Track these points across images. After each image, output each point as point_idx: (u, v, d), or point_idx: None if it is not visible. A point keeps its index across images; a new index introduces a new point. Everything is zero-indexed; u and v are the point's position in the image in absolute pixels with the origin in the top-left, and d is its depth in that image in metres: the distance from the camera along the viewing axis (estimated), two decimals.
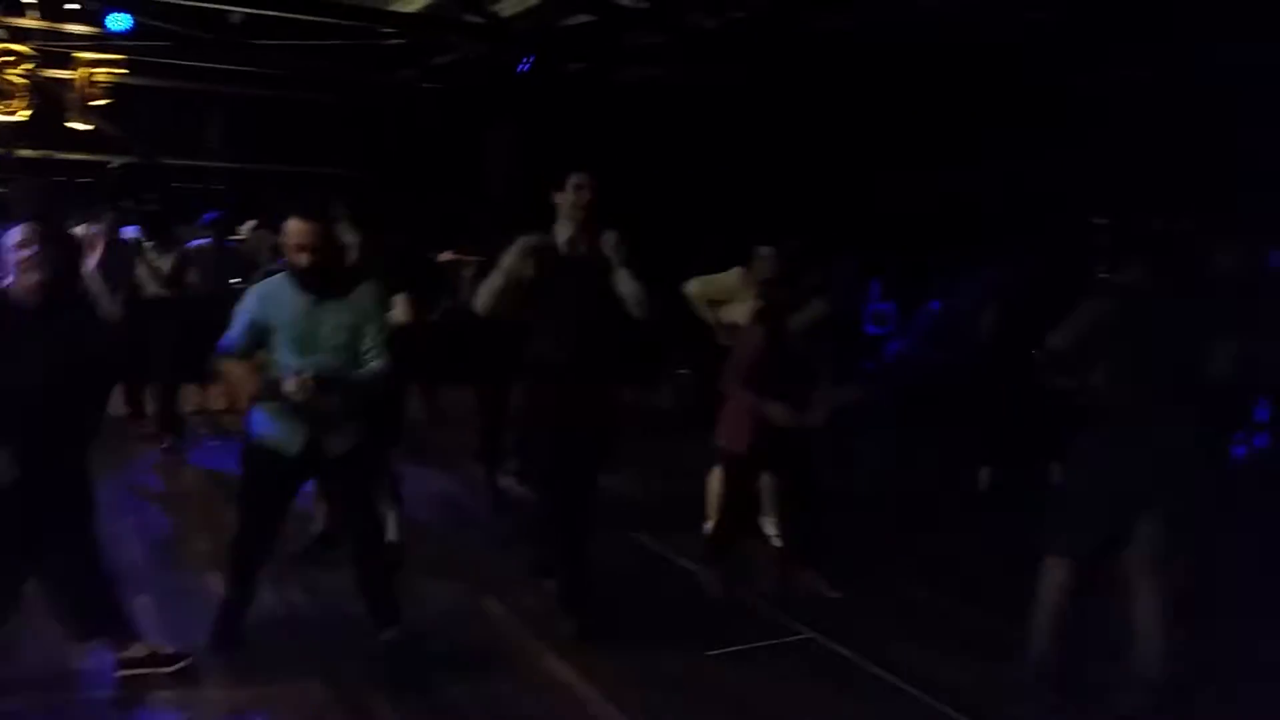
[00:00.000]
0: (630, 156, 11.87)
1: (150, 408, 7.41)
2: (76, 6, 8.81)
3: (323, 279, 3.68)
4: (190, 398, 7.77)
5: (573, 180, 4.10)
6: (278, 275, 3.80)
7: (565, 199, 4.10)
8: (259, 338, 3.71)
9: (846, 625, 4.38)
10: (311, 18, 8.60)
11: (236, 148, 11.98)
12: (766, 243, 5.17)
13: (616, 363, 4.36)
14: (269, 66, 10.51)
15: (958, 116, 10.87)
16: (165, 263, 7.08)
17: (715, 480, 5.10)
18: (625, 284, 4.06)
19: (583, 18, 8.44)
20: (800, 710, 3.68)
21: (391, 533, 4.76)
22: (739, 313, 5.17)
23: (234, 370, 3.90)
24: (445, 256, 6.97)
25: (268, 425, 3.75)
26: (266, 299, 3.72)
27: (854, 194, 12.85)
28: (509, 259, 4.12)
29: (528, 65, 8.34)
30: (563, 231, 4.12)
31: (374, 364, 3.74)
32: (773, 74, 9.81)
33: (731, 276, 5.52)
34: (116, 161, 11.36)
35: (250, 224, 8.34)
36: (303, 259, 3.63)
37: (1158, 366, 3.53)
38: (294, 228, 3.62)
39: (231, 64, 10.56)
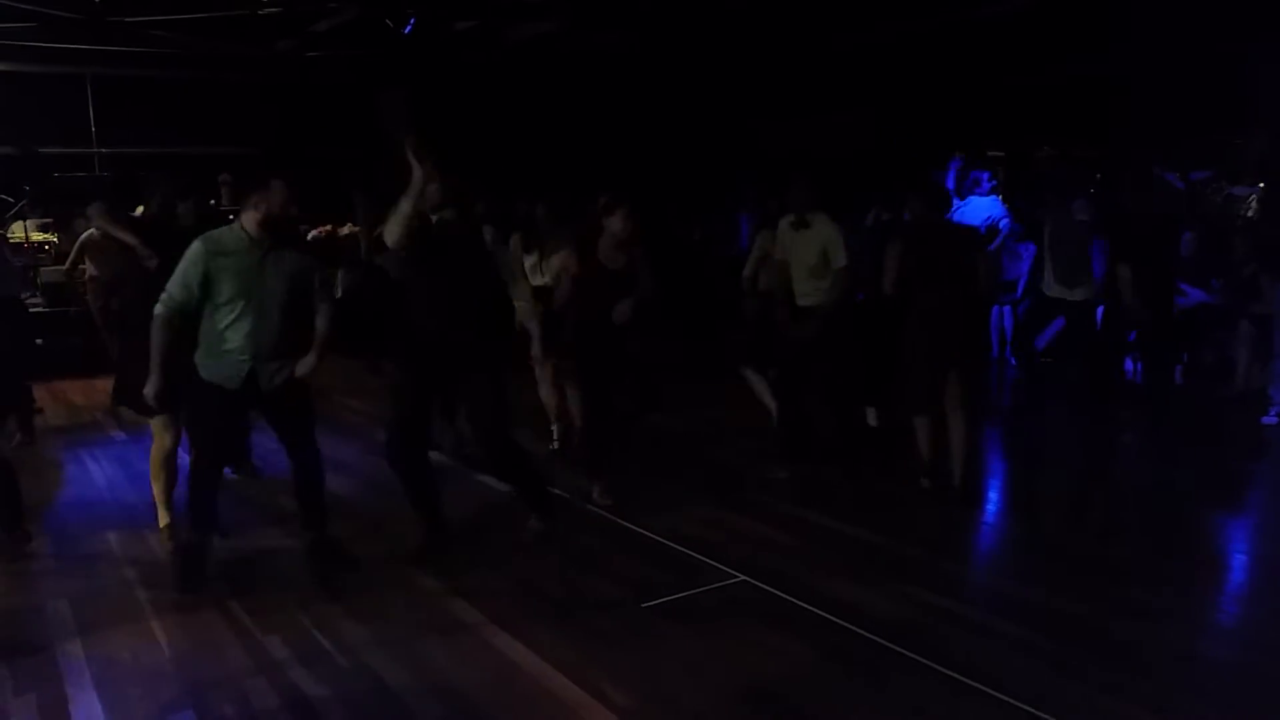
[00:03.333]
0: (525, 112, 11.71)
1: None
2: None
3: (273, 234, 4.10)
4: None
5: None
6: (225, 228, 4.14)
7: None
8: (204, 289, 4.02)
9: (771, 564, 4.44)
10: None
11: (116, 132, 11.47)
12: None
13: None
14: (138, 45, 10.04)
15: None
16: None
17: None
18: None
19: None
20: (741, 655, 3.62)
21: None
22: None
23: None
24: (316, 233, 6.91)
25: (210, 366, 4.13)
26: (213, 252, 4.01)
27: (745, 142, 12.84)
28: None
29: (412, 26, 8.11)
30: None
31: (325, 307, 4.30)
32: (662, 29, 9.70)
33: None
34: None
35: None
36: (257, 216, 4.04)
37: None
38: (277, 185, 4.04)
39: (99, 44, 10.06)
